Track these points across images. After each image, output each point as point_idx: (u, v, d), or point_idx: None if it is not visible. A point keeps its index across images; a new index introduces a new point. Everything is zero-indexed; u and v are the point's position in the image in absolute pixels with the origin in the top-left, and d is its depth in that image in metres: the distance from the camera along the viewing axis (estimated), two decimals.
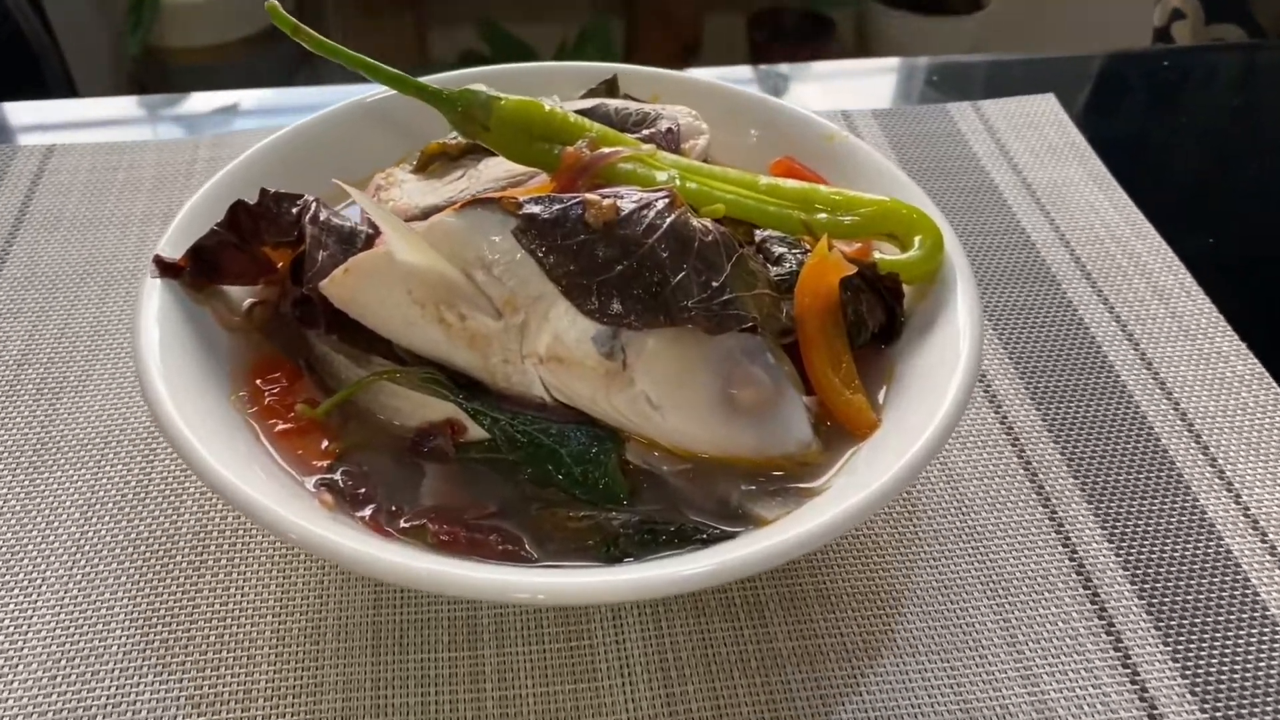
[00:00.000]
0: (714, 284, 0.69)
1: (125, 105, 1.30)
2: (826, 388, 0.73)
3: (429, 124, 0.88)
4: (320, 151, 0.87)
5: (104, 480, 0.82)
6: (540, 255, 0.68)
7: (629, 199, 0.70)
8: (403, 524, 0.66)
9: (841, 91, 1.37)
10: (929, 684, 0.72)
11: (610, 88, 0.94)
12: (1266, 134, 1.31)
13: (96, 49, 2.99)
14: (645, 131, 0.82)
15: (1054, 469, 0.85)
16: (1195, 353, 0.95)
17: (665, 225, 0.69)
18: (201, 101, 1.27)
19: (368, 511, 0.67)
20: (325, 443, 0.71)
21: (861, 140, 0.90)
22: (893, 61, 1.41)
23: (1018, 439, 0.88)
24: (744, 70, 1.47)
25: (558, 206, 0.69)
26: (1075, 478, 0.85)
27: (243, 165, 0.83)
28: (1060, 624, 0.75)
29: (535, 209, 0.69)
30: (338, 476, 0.69)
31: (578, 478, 0.68)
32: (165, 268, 0.75)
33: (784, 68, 1.37)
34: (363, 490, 0.68)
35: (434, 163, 0.85)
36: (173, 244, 0.77)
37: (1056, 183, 1.14)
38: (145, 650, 0.71)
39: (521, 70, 0.96)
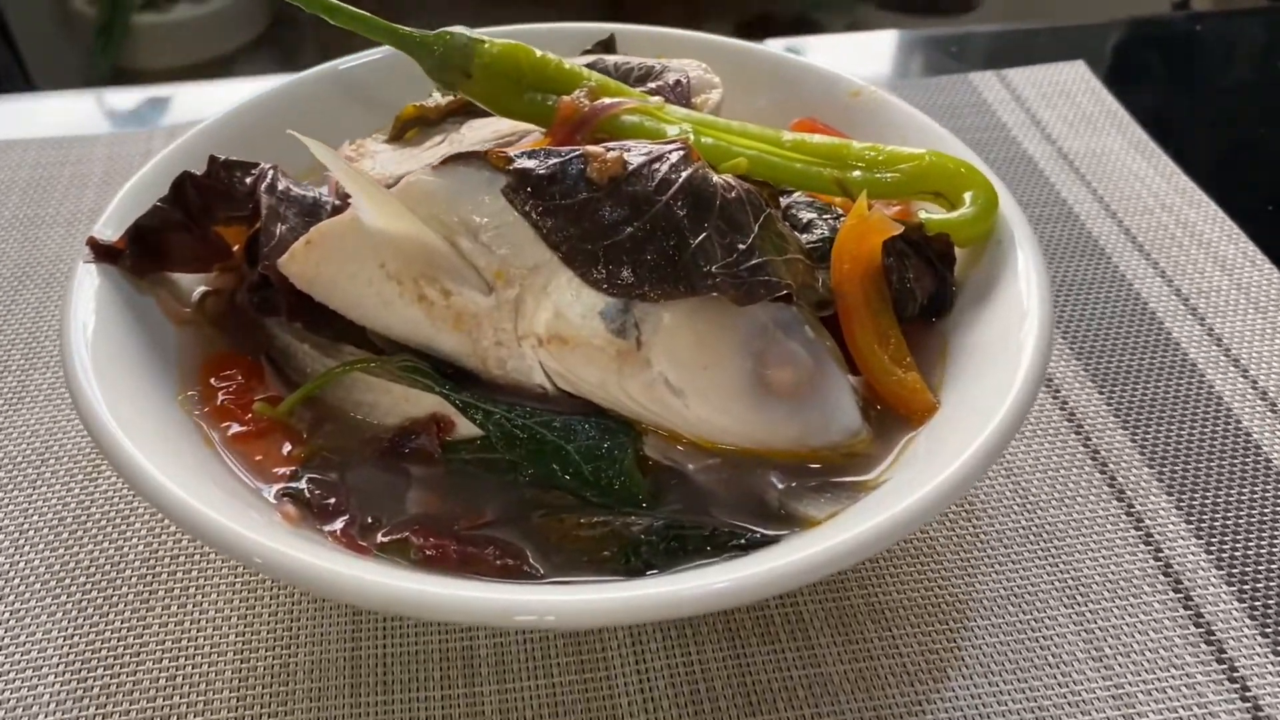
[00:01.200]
0: (740, 246, 0.59)
1: (80, 101, 1.19)
2: (874, 366, 0.62)
3: (405, 93, 0.78)
4: (284, 123, 0.76)
5: (39, 503, 0.71)
6: (536, 218, 0.58)
7: (637, 151, 0.60)
8: (381, 538, 0.56)
9: (858, 63, 1.27)
10: (1005, 708, 0.61)
11: (607, 49, 0.84)
12: None
13: (65, 71, 2.89)
14: (651, 85, 0.72)
15: (1125, 458, 0.75)
16: (1269, 327, 0.85)
17: (681, 180, 0.59)
18: (159, 94, 1.17)
19: (338, 525, 0.56)
20: (288, 447, 0.61)
21: (890, 95, 0.80)
22: (909, 34, 1.31)
23: (1081, 426, 0.77)
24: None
25: (555, 160, 0.59)
26: (1150, 467, 0.74)
27: (196, 138, 0.73)
28: (1152, 633, 0.64)
29: (529, 164, 0.59)
30: (303, 485, 0.58)
31: (588, 477, 0.58)
32: (101, 251, 0.64)
33: (798, 40, 1.28)
34: (332, 500, 0.57)
35: (410, 129, 0.74)
36: (112, 224, 0.66)
37: (1095, 152, 1.04)
38: (83, 699, 0.60)
39: (514, 32, 0.86)
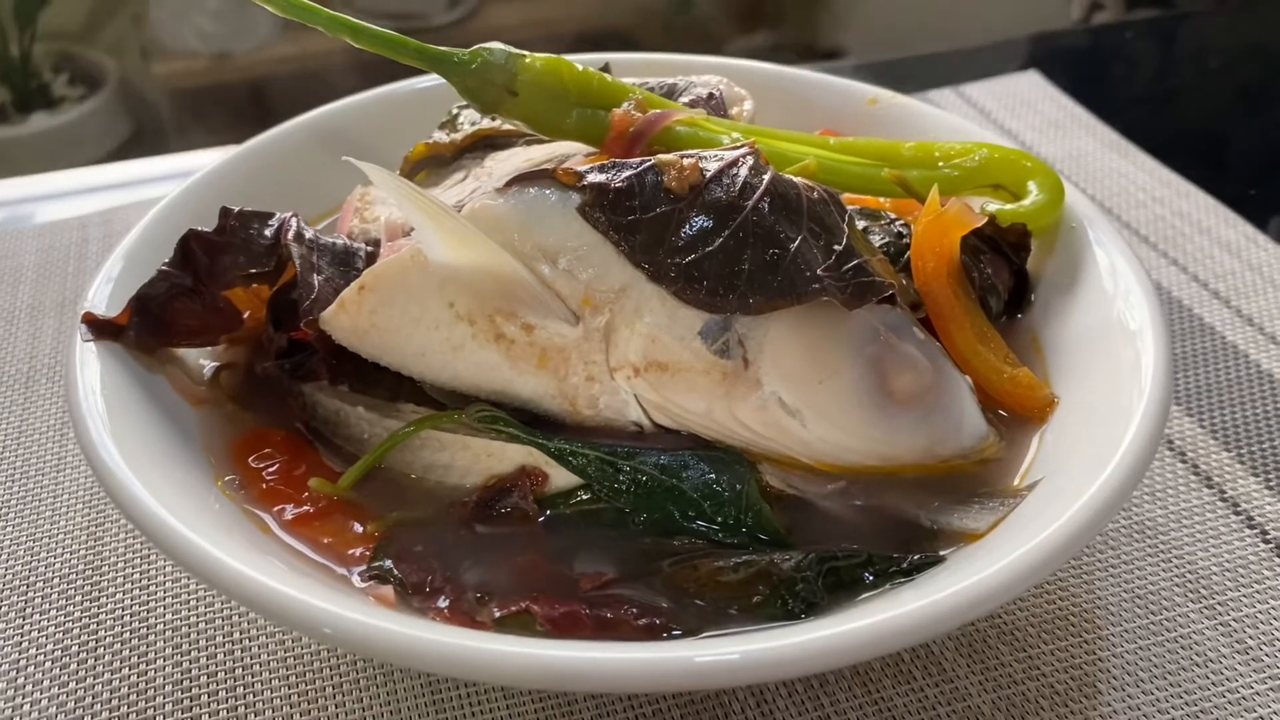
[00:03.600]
0: (836, 247, 0.54)
1: None
2: (980, 366, 0.58)
3: (401, 137, 0.72)
4: (276, 175, 0.70)
5: (96, 612, 0.60)
6: (617, 235, 0.52)
7: (710, 159, 0.55)
8: (497, 612, 0.48)
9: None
10: (1168, 717, 0.56)
11: None
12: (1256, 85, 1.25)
13: None
14: (684, 99, 0.67)
15: (1201, 445, 0.72)
16: None
17: (765, 183, 0.54)
18: (75, 179, 1.07)
19: (443, 603, 0.48)
20: (357, 526, 0.52)
21: (910, 99, 0.77)
22: (849, 61, 1.30)
23: None
24: None
25: (628, 173, 0.53)
26: (1228, 451, 0.72)
27: (182, 199, 0.65)
28: None
29: (601, 178, 0.53)
30: (388, 564, 0.50)
31: (712, 515, 0.51)
32: (100, 327, 0.56)
33: None
34: (429, 578, 0.49)
35: (421, 169, 0.68)
36: (105, 296, 0.58)
37: (1073, 155, 1.03)
38: None
39: None
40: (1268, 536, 0.66)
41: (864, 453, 0.54)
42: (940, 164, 0.65)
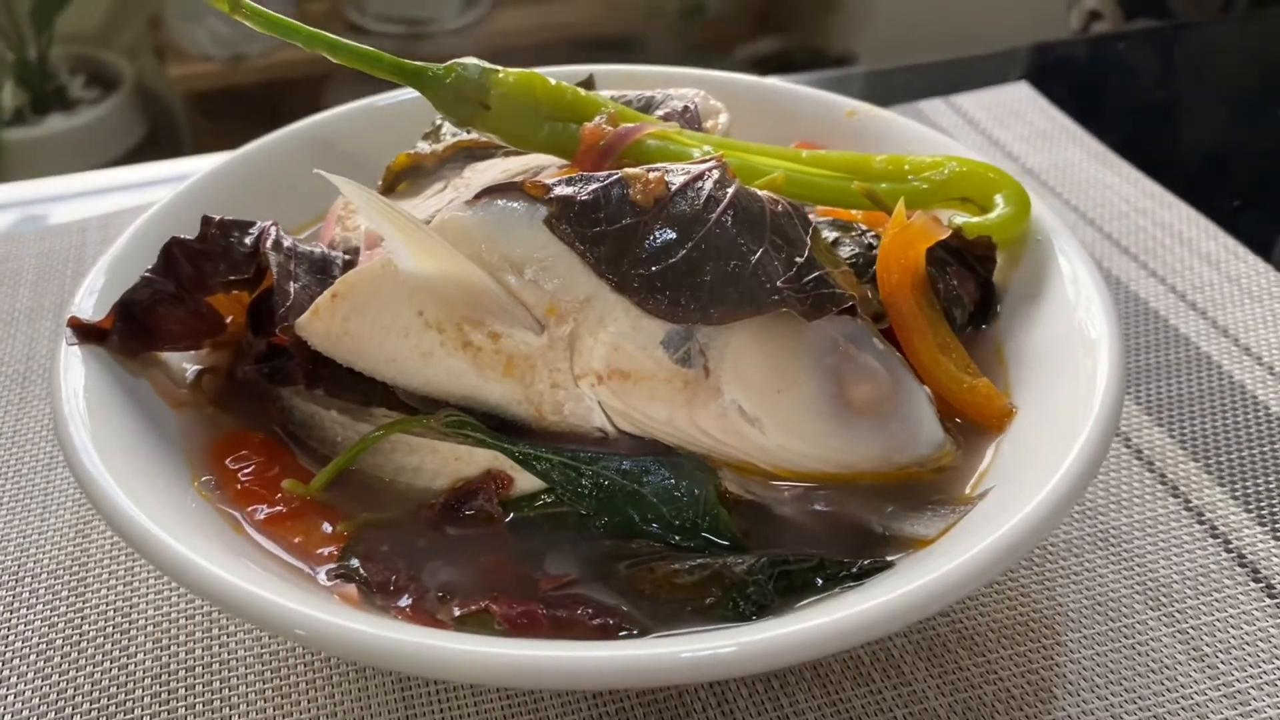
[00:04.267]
0: (798, 259, 0.56)
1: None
2: (941, 376, 0.59)
3: (389, 146, 0.73)
4: (265, 184, 0.72)
5: (80, 613, 0.62)
6: (583, 247, 0.54)
7: (676, 172, 0.56)
8: (457, 611, 0.49)
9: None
10: None
11: (587, 89, 0.80)
12: (1246, 101, 1.25)
13: None
14: (659, 112, 0.69)
15: (1170, 455, 0.73)
16: (1268, 315, 0.85)
17: (729, 196, 0.55)
18: (83, 182, 1.09)
19: (406, 601, 0.50)
20: (327, 525, 0.54)
21: (887, 111, 0.78)
22: (842, 71, 1.32)
23: (1119, 429, 0.75)
24: None
25: (595, 186, 0.55)
26: (1196, 461, 0.73)
27: (172, 205, 0.67)
28: (1246, 626, 0.62)
29: (568, 190, 0.54)
30: (355, 564, 0.52)
31: (670, 520, 0.53)
32: (85, 331, 0.58)
33: None
34: (393, 577, 0.51)
35: (403, 180, 0.69)
36: (91, 302, 0.60)
37: (1059, 165, 1.04)
38: None
39: None
40: (1230, 546, 0.67)
41: (822, 460, 0.55)
42: (910, 177, 0.66)
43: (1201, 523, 0.69)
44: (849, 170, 0.67)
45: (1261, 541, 0.67)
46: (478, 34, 2.99)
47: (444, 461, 0.55)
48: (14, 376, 0.80)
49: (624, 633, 0.49)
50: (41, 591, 0.64)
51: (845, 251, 0.66)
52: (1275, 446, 0.73)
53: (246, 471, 0.56)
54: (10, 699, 0.58)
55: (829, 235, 0.67)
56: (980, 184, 0.67)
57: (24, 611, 0.63)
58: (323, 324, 0.54)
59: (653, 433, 0.55)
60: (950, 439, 0.57)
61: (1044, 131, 1.10)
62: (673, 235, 0.54)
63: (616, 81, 0.82)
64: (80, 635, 0.62)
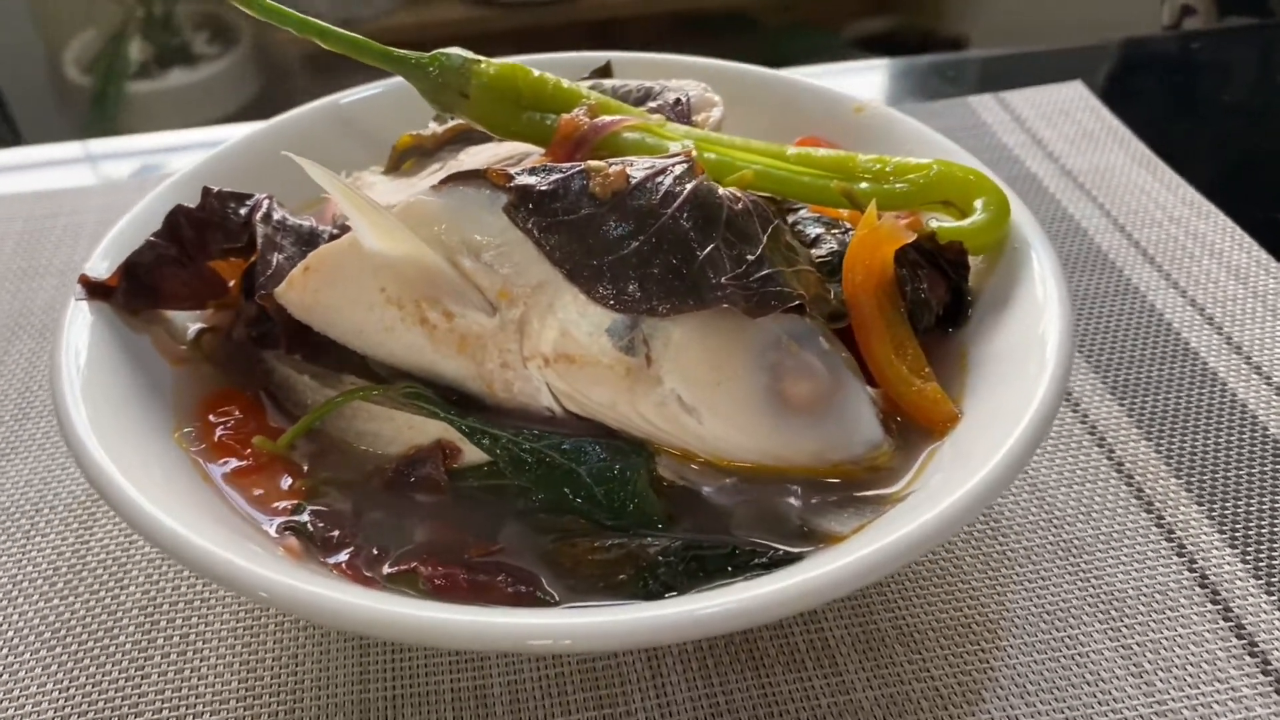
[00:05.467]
0: (749, 257, 0.57)
1: (75, 150, 1.18)
2: (892, 377, 0.61)
3: (404, 127, 0.77)
4: (280, 158, 0.76)
5: (33, 554, 0.68)
6: (538, 235, 0.57)
7: (640, 165, 0.58)
8: (388, 569, 0.53)
9: (848, 91, 1.26)
10: None
11: (604, 76, 0.83)
12: None
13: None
14: (651, 104, 0.71)
15: (1151, 469, 0.73)
16: None
17: (685, 192, 0.57)
18: (157, 141, 1.16)
19: (343, 557, 0.54)
20: (289, 481, 0.58)
21: (895, 110, 0.79)
22: (899, 62, 1.31)
23: (1103, 439, 0.75)
24: None
25: (556, 176, 0.57)
26: (1178, 477, 0.72)
27: (192, 175, 0.72)
28: (1193, 647, 0.62)
29: (529, 180, 0.57)
30: (305, 518, 0.56)
31: (600, 500, 0.56)
32: (93, 288, 0.63)
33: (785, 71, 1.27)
34: (336, 533, 0.55)
35: (407, 160, 0.73)
36: (105, 261, 0.65)
37: (1100, 168, 1.03)
38: None
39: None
40: (1194, 565, 0.67)
41: (756, 452, 0.57)
42: (891, 179, 0.67)
43: (1170, 540, 0.68)
44: (833, 169, 0.68)
45: (1228, 564, 0.66)
46: (578, 6, 3.03)
47: (399, 429, 0.59)
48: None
49: (537, 602, 0.52)
50: (56, 523, 0.70)
51: (825, 248, 0.67)
52: (1265, 469, 0.72)
53: (226, 426, 0.61)
54: (16, 618, 0.64)
55: (814, 231, 0.69)
56: (962, 188, 0.67)
57: (38, 539, 0.69)
58: (296, 294, 0.58)
59: (596, 415, 0.58)
60: (888, 440, 0.58)
61: (1090, 133, 1.08)
62: (626, 228, 0.56)
63: (636, 69, 0.84)
64: (83, 564, 0.67)
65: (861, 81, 1.28)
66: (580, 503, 0.56)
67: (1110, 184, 1.01)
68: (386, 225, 0.56)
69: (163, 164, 1.14)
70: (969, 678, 0.61)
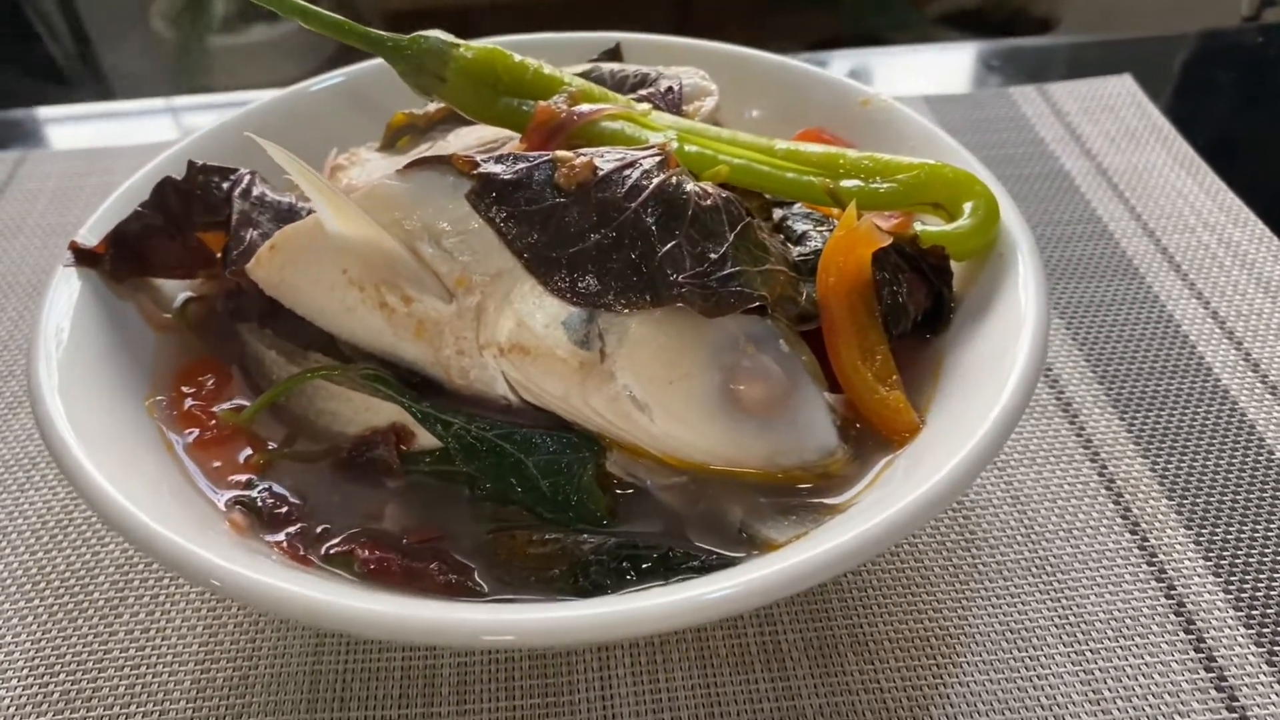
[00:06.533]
0: (711, 255, 0.56)
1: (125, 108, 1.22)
2: (857, 384, 0.59)
3: (412, 102, 0.77)
4: (283, 132, 0.76)
5: (24, 506, 0.71)
6: (500, 223, 0.56)
7: (609, 157, 0.58)
8: (326, 550, 0.54)
9: (892, 78, 1.24)
10: None
11: (612, 58, 0.82)
12: None
13: (147, 95, 2.97)
14: (643, 92, 0.70)
15: (1143, 489, 0.70)
16: None
17: (652, 186, 0.57)
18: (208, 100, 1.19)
19: (283, 536, 0.55)
20: (247, 453, 0.60)
21: (900, 104, 0.77)
22: (949, 47, 1.27)
23: (1097, 454, 0.73)
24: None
25: (522, 165, 0.57)
26: (1170, 499, 0.70)
27: (191, 146, 0.73)
28: (1158, 677, 0.60)
29: (495, 169, 0.57)
30: (256, 494, 0.57)
31: (545, 492, 0.56)
32: (82, 255, 0.64)
33: (828, 54, 1.25)
34: (284, 510, 0.56)
35: (401, 137, 0.73)
36: (97, 229, 0.66)
37: (1137, 168, 0.99)
38: (43, 704, 0.60)
39: (514, 42, 0.85)
40: (1172, 592, 0.64)
41: (707, 452, 0.56)
42: (878, 177, 0.65)
43: (1151, 564, 0.66)
44: (822, 166, 0.66)
45: (1208, 593, 0.64)
46: None
47: (356, 411, 0.59)
48: None
49: (468, 592, 0.52)
50: (50, 478, 0.73)
51: (811, 245, 0.66)
52: (1265, 495, 0.69)
53: (196, 396, 0.62)
54: (1, 569, 0.67)
55: (802, 227, 0.68)
56: (952, 191, 0.65)
57: (30, 493, 0.72)
58: (264, 271, 0.59)
59: (549, 406, 0.58)
60: (843, 447, 0.57)
61: (1132, 130, 1.04)
62: (589, 221, 0.56)
63: (644, 51, 0.83)
64: (68, 518, 0.70)
65: (911, 70, 1.25)
66: (524, 494, 0.56)
67: (1145, 185, 0.97)
68: (347, 209, 0.56)
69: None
70: (919, 692, 0.60)
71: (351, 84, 0.82)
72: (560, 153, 0.58)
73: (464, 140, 0.69)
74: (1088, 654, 0.61)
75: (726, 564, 0.52)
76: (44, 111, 1.17)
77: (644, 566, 0.53)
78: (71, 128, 1.16)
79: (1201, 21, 1.27)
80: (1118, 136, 1.03)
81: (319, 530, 0.55)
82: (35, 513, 0.71)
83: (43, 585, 0.66)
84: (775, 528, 0.54)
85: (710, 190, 0.59)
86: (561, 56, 0.83)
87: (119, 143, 1.09)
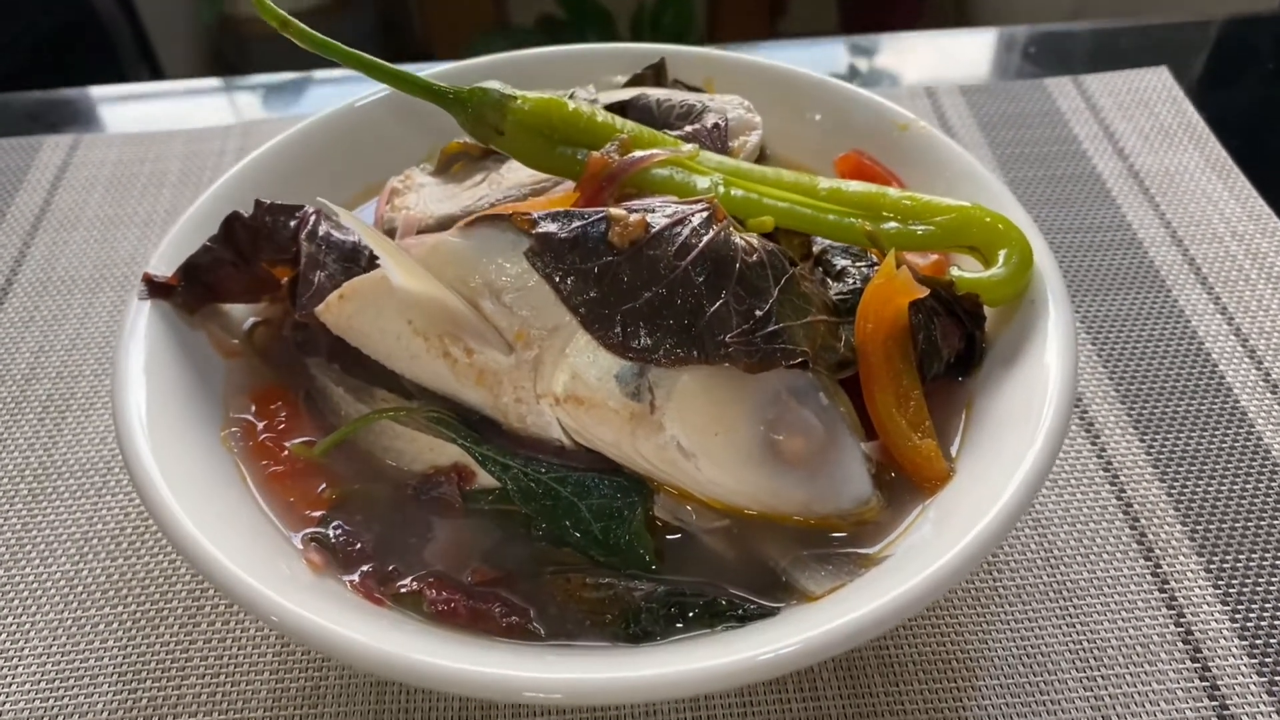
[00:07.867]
0: (757, 313, 0.59)
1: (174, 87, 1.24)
2: (891, 431, 0.63)
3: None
4: (339, 149, 0.80)
5: (103, 511, 0.76)
6: (557, 280, 0.59)
7: (661, 213, 0.61)
8: (398, 588, 0.58)
9: (930, 64, 1.24)
10: None
11: (658, 73, 0.84)
12: None
13: (173, 20, 2.96)
14: (689, 128, 0.72)
15: (1159, 513, 0.74)
16: None
17: (701, 245, 0.60)
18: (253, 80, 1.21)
19: (357, 575, 0.59)
20: (322, 487, 0.64)
21: (938, 131, 0.78)
22: (987, 32, 1.27)
23: (1117, 477, 0.76)
24: (826, 44, 1.36)
25: (578, 224, 0.60)
26: (1184, 525, 0.73)
27: (247, 169, 0.76)
28: (1164, 704, 0.64)
29: (551, 227, 0.60)
30: (330, 531, 0.61)
31: (597, 536, 0.60)
32: (155, 288, 0.68)
33: (869, 39, 1.25)
34: (357, 546, 0.60)
35: (455, 163, 0.76)
36: (166, 259, 0.70)
37: (1169, 170, 1.00)
38: (133, 709, 0.65)
39: (560, 54, 0.87)
40: (1181, 619, 0.68)
41: (748, 498, 0.60)
42: (917, 220, 0.68)
43: (1163, 591, 0.70)
44: (861, 206, 0.69)
45: (1215, 620, 0.68)
46: None
47: (421, 450, 0.63)
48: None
49: (529, 633, 0.57)
50: (125, 482, 0.77)
51: (849, 283, 0.69)
52: (1273, 523, 0.73)
53: (269, 428, 0.66)
54: (85, 574, 0.72)
55: (840, 263, 0.70)
56: (989, 236, 0.68)
57: (108, 497, 0.76)
58: (332, 316, 0.62)
59: (601, 450, 0.61)
60: (877, 495, 0.61)
61: (1167, 129, 1.05)
62: (641, 279, 0.59)
63: (690, 64, 0.85)
64: (145, 527, 0.75)
65: (947, 57, 1.25)
66: (578, 536, 0.60)
67: (1176, 189, 0.98)
68: (410, 267, 0.59)
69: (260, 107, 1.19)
70: (939, 714, 0.64)
71: (399, 94, 0.84)
72: (614, 210, 0.60)
73: (517, 175, 0.72)
74: (1099, 680, 0.66)
75: (765, 614, 0.57)
76: (96, 91, 1.20)
77: (690, 615, 0.57)
78: (122, 108, 1.18)
79: (1235, 5, 1.26)
80: (1151, 135, 1.04)
81: (389, 569, 0.60)
82: (114, 519, 0.75)
83: (125, 592, 0.71)
84: (813, 579, 0.58)
85: (755, 245, 0.61)
86: (607, 67, 0.86)
87: (171, 126, 1.11)
